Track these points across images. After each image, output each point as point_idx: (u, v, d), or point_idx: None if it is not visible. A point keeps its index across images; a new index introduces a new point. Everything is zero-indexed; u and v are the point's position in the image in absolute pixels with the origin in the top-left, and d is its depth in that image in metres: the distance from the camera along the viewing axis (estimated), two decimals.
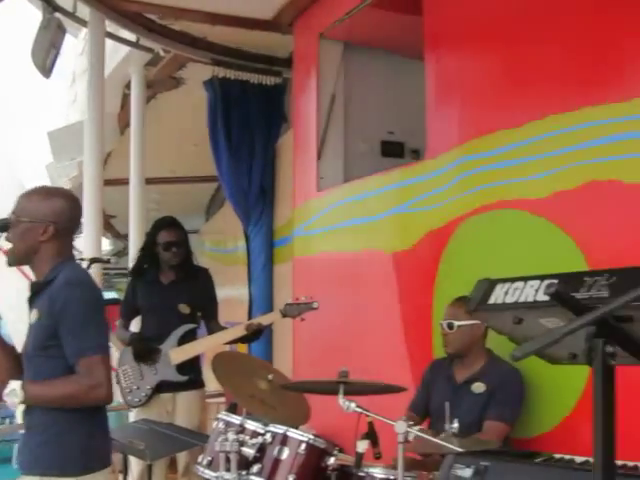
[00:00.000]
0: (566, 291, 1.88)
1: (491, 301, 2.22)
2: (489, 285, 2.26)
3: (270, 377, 5.05)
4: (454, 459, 2.50)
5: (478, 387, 5.04)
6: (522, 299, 2.12)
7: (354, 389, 4.34)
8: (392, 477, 4.23)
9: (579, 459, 2.51)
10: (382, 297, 6.55)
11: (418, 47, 6.25)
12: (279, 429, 4.53)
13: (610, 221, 4.65)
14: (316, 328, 6.87)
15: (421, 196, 6.07)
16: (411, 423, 4.07)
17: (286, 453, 4.44)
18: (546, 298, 1.89)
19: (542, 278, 2.07)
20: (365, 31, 7.34)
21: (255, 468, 4.45)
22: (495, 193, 5.37)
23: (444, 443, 3.91)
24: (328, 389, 4.38)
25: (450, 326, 4.98)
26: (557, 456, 2.59)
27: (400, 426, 3.98)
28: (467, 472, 2.42)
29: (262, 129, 8.86)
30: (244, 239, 9.41)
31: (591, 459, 2.42)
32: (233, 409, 5.34)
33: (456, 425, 4.26)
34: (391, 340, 6.38)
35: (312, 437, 4.49)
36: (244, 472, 4.45)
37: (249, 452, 4.47)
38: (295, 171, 7.93)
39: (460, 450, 3.53)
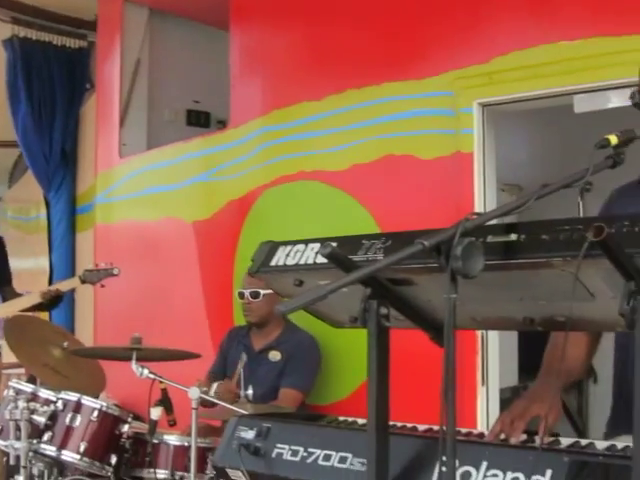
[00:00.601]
0: (342, 253, 1.92)
1: (273, 263, 2.24)
2: (272, 247, 2.27)
3: (65, 344, 4.95)
4: (238, 421, 2.51)
5: (275, 355, 5.09)
6: (303, 261, 2.15)
7: (147, 355, 4.30)
8: (187, 444, 4.23)
9: (362, 421, 2.57)
10: (183, 265, 6.53)
11: (224, 17, 6.23)
12: (72, 396, 4.43)
13: (404, 194, 4.78)
14: (118, 296, 6.79)
15: (223, 165, 6.07)
16: (205, 389, 4.09)
17: (78, 421, 4.36)
18: (325, 260, 1.92)
19: (323, 241, 2.10)
20: None
21: (46, 436, 4.35)
22: (295, 164, 5.43)
23: (238, 409, 3.94)
24: (122, 355, 4.33)
25: (255, 295, 4.95)
26: (341, 418, 2.64)
27: (194, 392, 3.97)
28: (250, 434, 2.44)
29: (65, 93, 8.58)
30: (45, 206, 9.17)
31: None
32: (33, 380, 5.20)
33: (250, 392, 4.30)
34: (192, 308, 6.38)
35: (105, 404, 4.43)
36: (35, 441, 4.34)
37: (40, 420, 4.36)
38: (97, 137, 7.77)
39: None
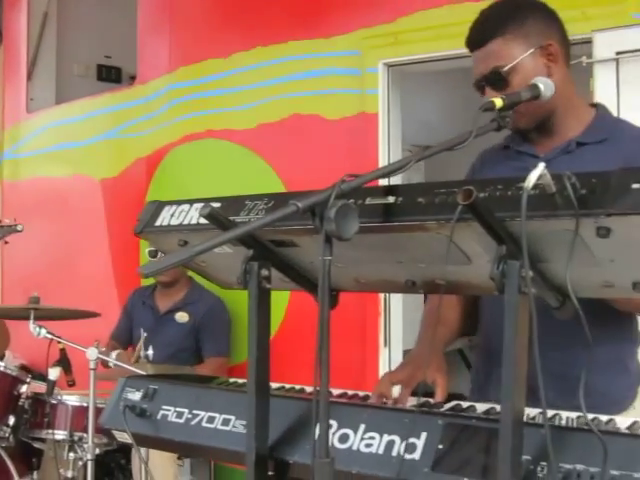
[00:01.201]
0: (223, 213, 1.88)
1: (157, 223, 2.19)
2: (157, 207, 2.23)
3: None
4: (126, 382, 2.47)
5: (182, 317, 5.04)
6: (187, 221, 2.11)
7: (47, 315, 4.24)
8: (86, 404, 4.19)
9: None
10: (91, 223, 6.43)
11: None
12: None
13: (310, 154, 4.76)
14: (25, 255, 6.67)
15: (130, 122, 5.97)
16: (103, 349, 4.04)
17: None
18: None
19: (207, 201, 2.06)
20: None
21: None
22: (203, 122, 5.37)
23: (137, 370, 3.91)
24: (20, 315, 4.25)
25: None
26: (232, 380, 2.62)
27: (91, 353, 3.93)
28: (137, 395, 2.40)
29: None
30: None
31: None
32: None
33: (150, 352, 4.27)
34: (99, 267, 6.29)
35: (2, 365, 4.36)
36: None
37: None
38: (4, 91, 7.59)
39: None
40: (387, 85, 4.45)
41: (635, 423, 1.87)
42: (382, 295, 4.46)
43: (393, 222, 1.71)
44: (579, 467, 1.59)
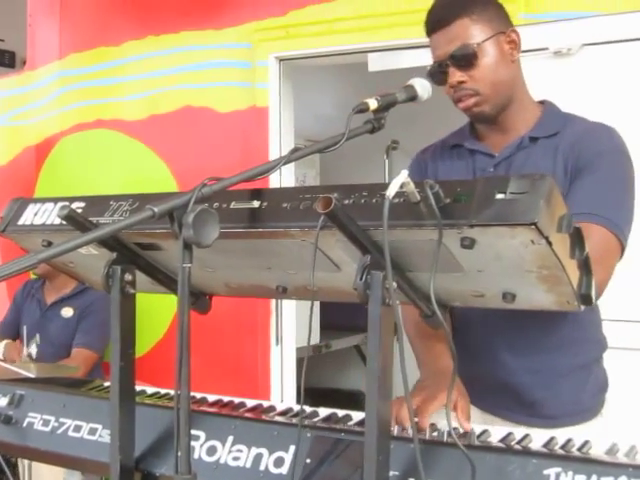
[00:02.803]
0: (88, 214, 1.80)
1: (20, 222, 2.08)
2: (21, 205, 2.11)
3: None
4: None
5: (67, 312, 4.90)
6: (50, 221, 2.01)
7: None
8: None
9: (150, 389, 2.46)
10: None
11: None
12: None
13: (200, 148, 4.67)
14: None
15: (19, 109, 5.79)
16: None
17: None
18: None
19: (72, 200, 1.97)
20: None
21: None
22: (93, 111, 5.23)
23: (19, 369, 3.77)
24: None
25: None
26: (107, 384, 2.52)
27: None
28: (3, 401, 2.30)
29: None
30: None
31: (148, 389, 2.40)
32: None
33: (34, 350, 4.14)
34: None
35: None
36: None
37: None
38: None
39: (32, 376, 3.43)
40: (278, 79, 4.38)
41: (509, 435, 1.83)
42: None
43: (257, 228, 1.64)
44: None
